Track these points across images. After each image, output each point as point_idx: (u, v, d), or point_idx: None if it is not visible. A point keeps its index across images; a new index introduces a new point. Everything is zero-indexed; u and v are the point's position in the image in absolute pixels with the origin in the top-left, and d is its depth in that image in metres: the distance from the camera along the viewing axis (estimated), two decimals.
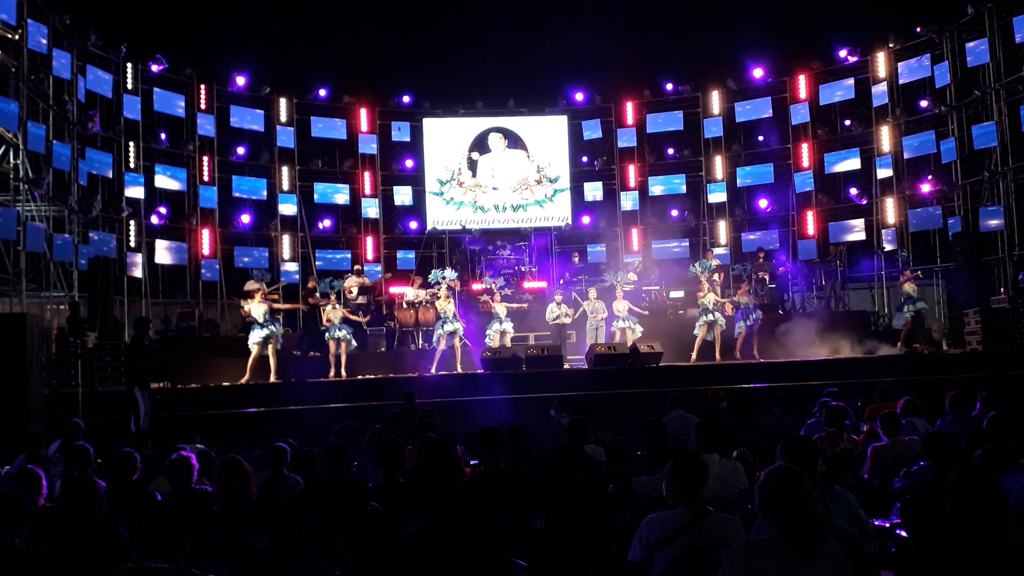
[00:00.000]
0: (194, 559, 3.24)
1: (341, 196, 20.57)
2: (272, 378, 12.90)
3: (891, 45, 18.90)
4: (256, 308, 12.94)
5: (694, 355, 14.16)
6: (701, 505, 3.61)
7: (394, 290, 17.02)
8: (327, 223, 20.56)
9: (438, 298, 14.12)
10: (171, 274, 18.75)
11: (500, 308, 14.53)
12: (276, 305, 13.28)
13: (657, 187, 21.39)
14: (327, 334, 13.49)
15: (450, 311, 13.83)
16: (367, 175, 20.94)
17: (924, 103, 18.30)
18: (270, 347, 12.89)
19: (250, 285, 14.66)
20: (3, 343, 10.09)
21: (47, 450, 7.71)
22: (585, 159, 21.90)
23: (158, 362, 11.03)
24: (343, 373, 13.38)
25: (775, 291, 17.67)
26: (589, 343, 14.54)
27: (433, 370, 13.59)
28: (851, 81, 19.45)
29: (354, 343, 13.86)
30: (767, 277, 17.70)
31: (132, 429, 10.00)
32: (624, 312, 14.65)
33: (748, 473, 5.16)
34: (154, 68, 18.17)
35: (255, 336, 12.86)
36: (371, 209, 20.80)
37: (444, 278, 14.46)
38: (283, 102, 20.10)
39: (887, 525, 4.55)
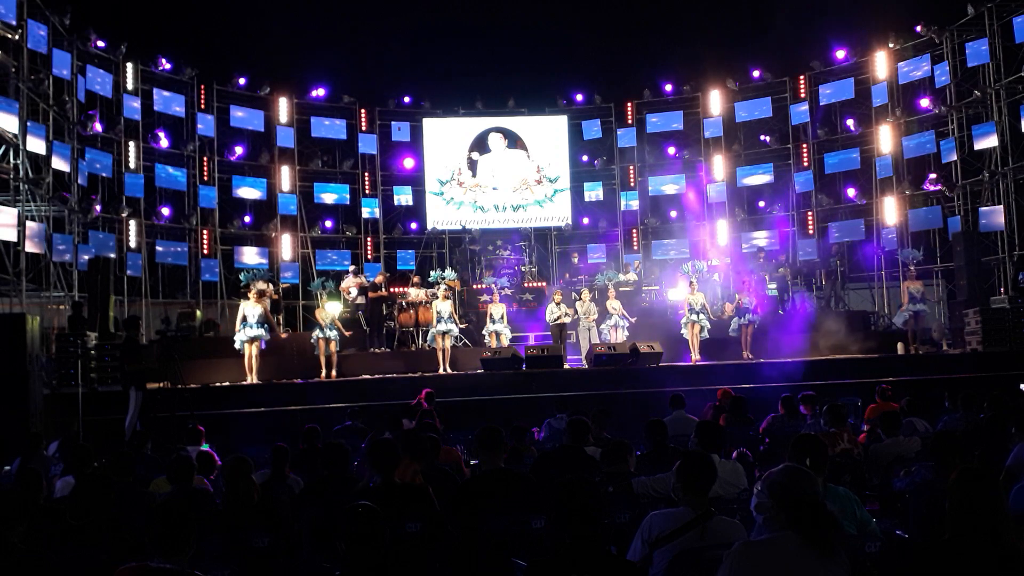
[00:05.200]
0: (195, 559, 3.24)
1: (342, 196, 20.59)
2: (253, 379, 12.70)
3: (891, 45, 18.89)
4: (251, 308, 12.87)
5: (694, 355, 14.16)
6: (705, 506, 3.61)
7: (394, 290, 16.99)
8: (327, 223, 20.57)
9: (436, 297, 14.10)
10: (171, 274, 18.76)
11: (496, 309, 14.53)
12: (267, 312, 13.03)
13: (657, 187, 21.41)
14: (316, 334, 13.32)
15: (445, 312, 13.80)
16: (367, 175, 20.95)
17: (924, 103, 18.30)
18: (254, 348, 12.68)
19: (258, 284, 14.44)
20: (3, 343, 10.07)
21: (47, 450, 7.72)
22: (585, 159, 21.91)
23: (159, 362, 11.02)
24: (333, 373, 13.31)
25: (776, 290, 17.64)
26: (582, 344, 14.56)
27: (441, 370, 13.59)
28: (851, 81, 19.46)
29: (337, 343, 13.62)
30: (766, 277, 17.69)
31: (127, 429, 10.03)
32: (618, 311, 14.71)
33: (748, 473, 5.15)
34: (165, 65, 18.22)
35: (242, 336, 12.65)
36: (371, 209, 20.81)
37: (444, 278, 14.47)
38: (283, 102, 20.10)
39: (887, 525, 4.54)
